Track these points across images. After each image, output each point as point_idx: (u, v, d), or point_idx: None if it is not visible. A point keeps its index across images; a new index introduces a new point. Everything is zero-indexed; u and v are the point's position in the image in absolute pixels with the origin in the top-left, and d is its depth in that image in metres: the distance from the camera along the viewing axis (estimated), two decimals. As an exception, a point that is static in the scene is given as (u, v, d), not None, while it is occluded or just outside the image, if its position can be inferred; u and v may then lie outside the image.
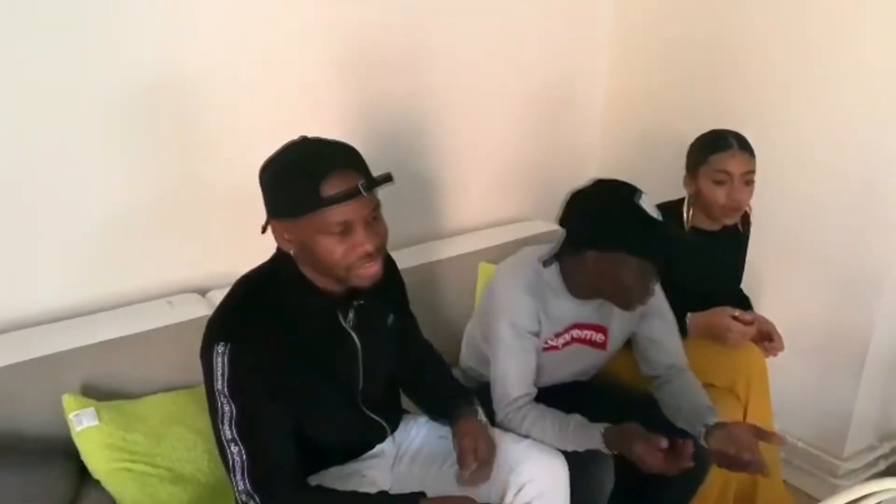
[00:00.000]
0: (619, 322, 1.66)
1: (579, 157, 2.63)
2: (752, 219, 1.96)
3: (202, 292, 1.83)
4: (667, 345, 1.69)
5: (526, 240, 2.19)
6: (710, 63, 2.27)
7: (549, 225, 2.34)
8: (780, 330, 1.89)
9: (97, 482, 1.44)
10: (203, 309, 1.71)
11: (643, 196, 1.44)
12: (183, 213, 1.81)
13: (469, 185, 2.37)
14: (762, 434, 1.44)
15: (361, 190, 1.17)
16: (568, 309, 1.59)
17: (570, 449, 1.47)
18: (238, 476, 1.20)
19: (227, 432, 1.20)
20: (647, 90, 2.50)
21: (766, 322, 1.89)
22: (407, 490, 1.28)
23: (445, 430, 1.49)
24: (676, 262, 1.79)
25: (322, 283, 1.27)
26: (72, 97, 1.59)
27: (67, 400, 1.44)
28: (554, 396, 1.56)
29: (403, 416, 1.56)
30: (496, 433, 1.49)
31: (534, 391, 1.57)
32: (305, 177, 1.17)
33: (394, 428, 1.50)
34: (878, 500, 1.07)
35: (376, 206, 1.23)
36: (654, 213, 1.43)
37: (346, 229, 1.19)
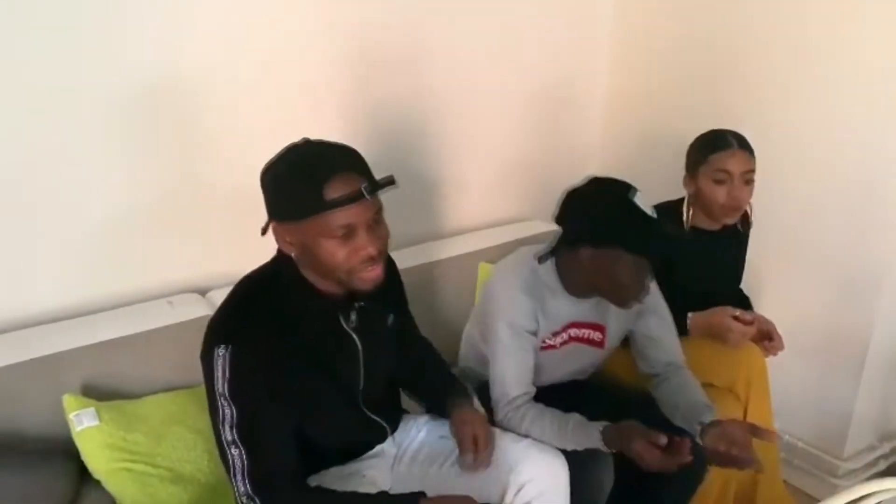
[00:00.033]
0: (616, 320, 1.66)
1: (579, 157, 2.63)
2: (753, 218, 1.96)
3: (202, 292, 1.83)
4: (664, 342, 1.69)
5: (526, 240, 2.19)
6: (710, 63, 2.27)
7: (548, 225, 2.33)
8: (780, 330, 1.89)
9: (97, 482, 1.44)
10: (203, 309, 1.71)
11: (638, 193, 1.45)
12: (183, 213, 1.81)
13: (469, 185, 2.37)
14: (756, 431, 1.45)
15: (364, 193, 1.17)
16: (565, 307, 1.59)
17: (569, 448, 1.47)
18: (238, 478, 1.20)
19: (228, 434, 1.20)
20: (647, 90, 2.50)
21: (766, 321, 1.89)
22: (407, 490, 1.28)
23: (446, 430, 1.49)
24: (676, 262, 1.80)
25: (323, 285, 1.27)
26: (72, 97, 1.59)
27: (68, 400, 1.44)
28: (552, 396, 1.57)
29: (403, 417, 1.56)
30: (496, 433, 1.49)
31: (532, 390, 1.57)
32: (308, 180, 1.16)
33: (394, 428, 1.50)
34: (878, 500, 1.07)
35: (379, 210, 1.23)
36: (649, 210, 1.44)
37: (348, 233, 1.18)
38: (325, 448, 1.37)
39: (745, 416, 1.85)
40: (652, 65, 2.47)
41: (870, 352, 2.08)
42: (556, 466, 1.43)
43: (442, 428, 1.52)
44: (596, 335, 1.66)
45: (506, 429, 1.52)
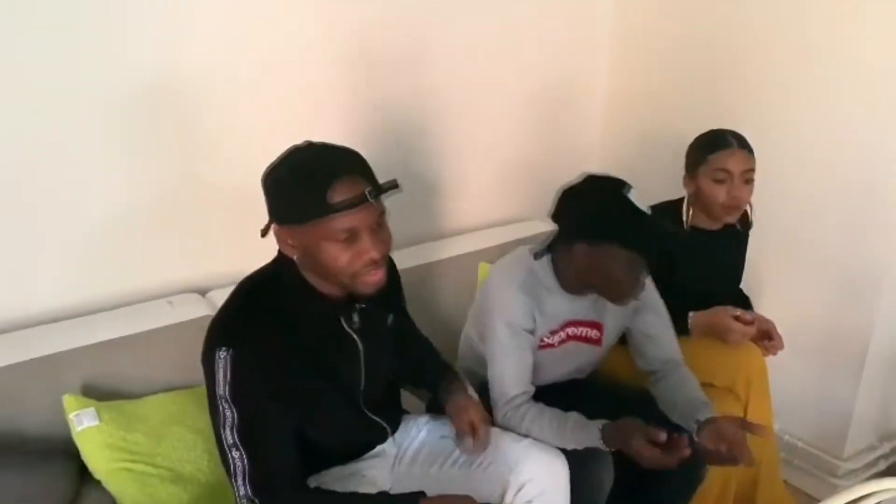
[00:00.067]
0: (613, 318, 1.67)
1: (579, 156, 2.63)
2: (753, 218, 1.96)
3: (202, 292, 1.83)
4: (661, 339, 1.70)
5: (526, 240, 2.18)
6: (710, 63, 2.27)
7: (548, 225, 2.31)
8: (780, 330, 1.89)
9: (97, 482, 1.44)
10: (203, 309, 1.71)
11: (632, 190, 1.46)
12: (183, 213, 1.81)
13: (469, 185, 2.37)
14: (749, 426, 1.45)
15: (368, 197, 1.17)
16: (562, 306, 1.60)
17: (569, 447, 1.47)
18: (239, 481, 1.20)
19: (229, 437, 1.19)
20: (647, 90, 2.50)
21: (766, 321, 1.89)
22: (407, 490, 1.28)
23: (446, 430, 1.50)
24: (676, 262, 1.80)
25: (324, 287, 1.27)
26: (72, 97, 1.59)
27: (68, 400, 1.44)
28: (551, 395, 1.57)
29: (403, 417, 1.56)
30: (496, 432, 1.49)
31: (531, 389, 1.57)
32: (312, 183, 1.16)
33: (394, 429, 1.50)
34: (878, 500, 1.07)
35: (382, 213, 1.23)
36: (643, 207, 1.45)
37: (351, 236, 1.18)
38: (325, 449, 1.37)
39: (745, 416, 1.85)
40: (652, 65, 2.47)
41: (870, 352, 2.08)
42: (557, 466, 1.43)
43: (442, 428, 1.53)
44: (594, 333, 1.66)
45: (506, 428, 1.52)
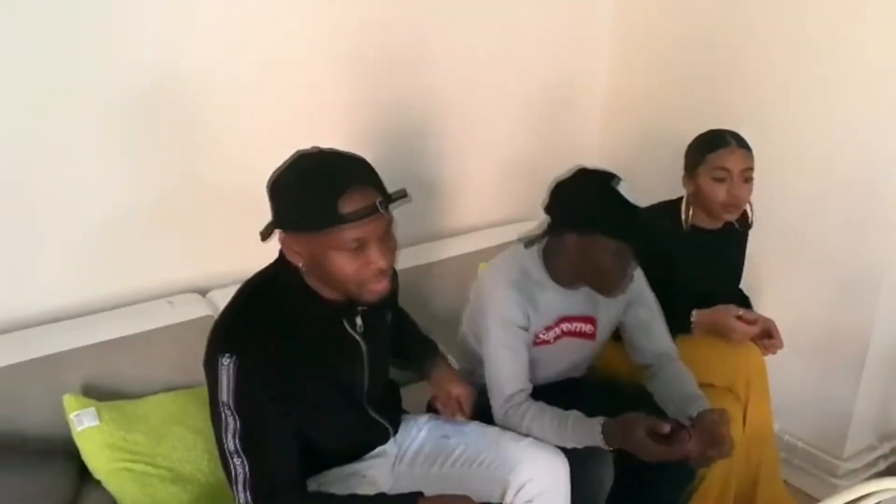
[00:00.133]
0: (606, 312, 1.68)
1: (579, 157, 2.59)
2: (753, 218, 1.96)
3: (202, 292, 1.83)
4: (654, 332, 1.71)
5: (526, 240, 2.19)
6: (710, 63, 2.27)
7: (548, 225, 2.34)
8: (779, 329, 1.89)
9: (97, 482, 1.44)
10: (203, 309, 1.71)
11: (621, 182, 1.47)
12: (183, 213, 1.81)
13: (469, 185, 2.37)
14: (724, 416, 1.47)
15: (379, 208, 1.16)
16: (555, 301, 1.60)
17: (569, 445, 1.47)
18: (240, 488, 1.19)
19: (231, 444, 1.19)
20: (647, 90, 2.50)
21: (766, 320, 1.89)
22: (407, 490, 1.28)
23: (446, 430, 1.51)
24: (676, 262, 1.81)
25: (326, 291, 1.26)
26: (72, 97, 1.59)
27: (68, 400, 1.44)
28: (550, 394, 1.57)
29: (403, 417, 1.56)
30: (496, 432, 1.50)
31: (529, 387, 1.57)
32: (323, 192, 1.14)
33: (396, 429, 1.51)
34: (877, 500, 1.07)
35: (390, 223, 1.22)
36: (633, 199, 1.46)
37: (360, 246, 1.17)
38: (328, 450, 1.37)
39: (745, 417, 1.86)
40: (652, 65, 2.46)
41: (870, 352, 2.07)
42: (557, 465, 1.43)
43: (442, 428, 1.53)
44: (587, 328, 1.67)
45: (506, 427, 1.53)
